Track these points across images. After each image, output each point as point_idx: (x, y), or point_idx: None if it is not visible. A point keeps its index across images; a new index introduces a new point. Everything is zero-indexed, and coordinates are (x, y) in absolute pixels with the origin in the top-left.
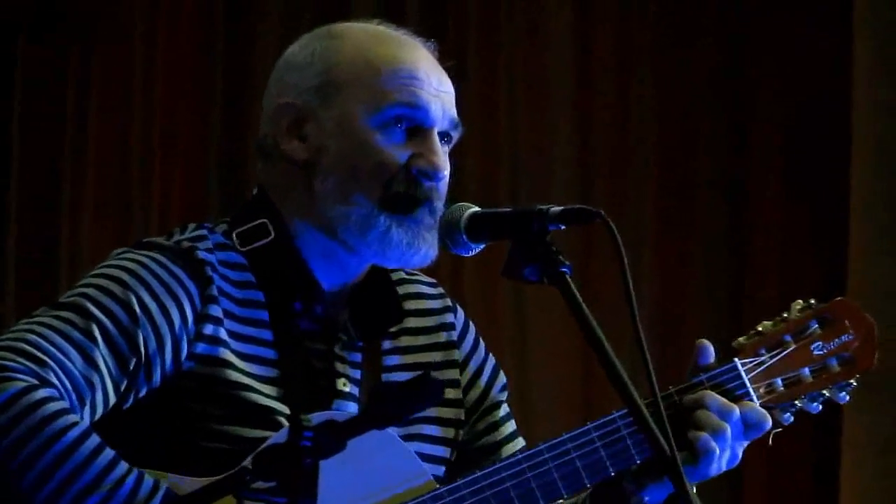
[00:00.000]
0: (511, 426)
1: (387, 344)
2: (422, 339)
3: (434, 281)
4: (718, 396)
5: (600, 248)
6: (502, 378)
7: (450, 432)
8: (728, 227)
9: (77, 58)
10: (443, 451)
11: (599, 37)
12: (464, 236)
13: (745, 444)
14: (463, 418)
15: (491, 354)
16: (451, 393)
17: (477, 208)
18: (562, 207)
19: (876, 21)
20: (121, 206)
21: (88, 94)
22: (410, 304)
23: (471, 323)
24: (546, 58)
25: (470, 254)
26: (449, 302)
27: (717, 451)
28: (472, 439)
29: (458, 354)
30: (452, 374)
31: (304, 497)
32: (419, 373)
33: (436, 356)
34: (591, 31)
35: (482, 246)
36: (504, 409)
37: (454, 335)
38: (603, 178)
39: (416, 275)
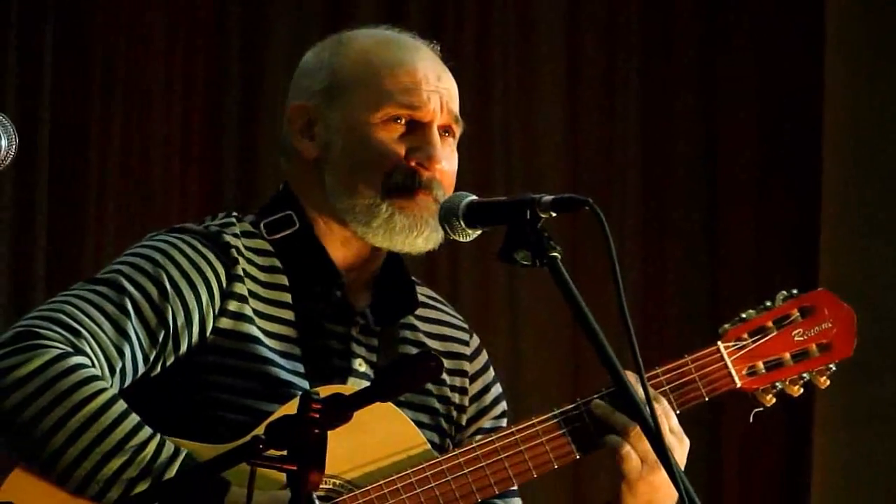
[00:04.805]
0: None
1: (405, 335)
2: (437, 344)
3: (457, 315)
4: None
5: (585, 244)
6: (504, 406)
7: (448, 428)
8: (704, 220)
9: (99, 61)
10: (438, 440)
11: (588, 32)
12: (461, 222)
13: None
14: (464, 423)
15: (499, 384)
16: (455, 398)
17: (475, 197)
18: (553, 196)
19: (848, 18)
20: (142, 198)
21: (112, 94)
22: (427, 312)
23: (484, 350)
24: (538, 52)
25: (467, 239)
26: (466, 326)
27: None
28: (462, 444)
29: (468, 367)
30: (460, 382)
31: (313, 464)
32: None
33: (448, 362)
34: (580, 26)
35: (478, 232)
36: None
37: (467, 351)
38: (589, 171)
39: (443, 303)
